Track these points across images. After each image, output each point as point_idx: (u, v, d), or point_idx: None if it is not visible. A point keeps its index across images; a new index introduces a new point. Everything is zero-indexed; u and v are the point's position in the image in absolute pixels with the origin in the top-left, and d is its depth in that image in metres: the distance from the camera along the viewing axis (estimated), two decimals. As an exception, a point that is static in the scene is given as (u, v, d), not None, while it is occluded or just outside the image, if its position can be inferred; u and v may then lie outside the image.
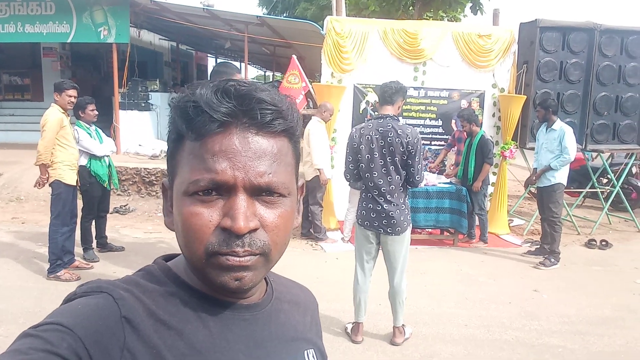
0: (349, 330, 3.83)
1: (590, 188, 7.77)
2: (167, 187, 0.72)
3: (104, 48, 12.33)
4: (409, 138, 3.42)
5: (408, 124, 3.89)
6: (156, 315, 0.64)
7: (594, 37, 6.87)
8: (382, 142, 3.48)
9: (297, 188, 0.72)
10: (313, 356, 0.79)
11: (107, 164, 5.28)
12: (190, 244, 0.65)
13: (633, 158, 7.80)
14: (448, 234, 6.58)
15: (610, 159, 7.86)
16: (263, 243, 0.64)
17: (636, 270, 5.64)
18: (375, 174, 3.50)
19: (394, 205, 3.50)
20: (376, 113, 6.83)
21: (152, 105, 11.20)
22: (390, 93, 3.53)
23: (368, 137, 3.51)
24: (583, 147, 7.15)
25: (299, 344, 0.78)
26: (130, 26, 9.93)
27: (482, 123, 6.88)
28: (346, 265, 5.13)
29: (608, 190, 7.76)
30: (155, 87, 11.71)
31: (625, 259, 6.07)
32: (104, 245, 5.57)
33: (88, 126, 5.12)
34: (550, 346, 3.80)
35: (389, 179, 3.49)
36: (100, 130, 5.36)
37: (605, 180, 8.37)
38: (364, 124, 3.70)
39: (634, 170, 8.54)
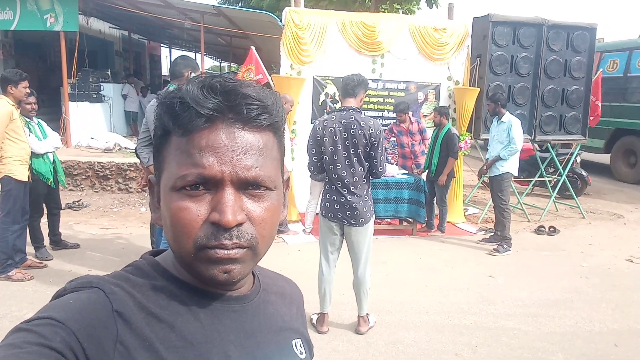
0: (314, 322, 3.87)
1: (538, 177, 8.14)
2: (153, 183, 0.73)
3: (50, 36, 11.77)
4: (372, 130, 3.48)
5: (368, 116, 3.95)
6: (147, 309, 0.65)
7: (542, 32, 7.16)
8: (345, 135, 3.52)
9: (282, 182, 0.74)
10: (300, 345, 0.82)
11: (52, 160, 5.03)
12: (179, 238, 0.66)
13: (578, 148, 8.22)
14: (407, 223, 6.74)
15: (556, 149, 8.24)
16: (250, 236, 0.66)
17: (582, 255, 5.97)
18: (339, 166, 3.54)
19: (357, 196, 3.55)
20: (336, 105, 6.92)
21: (104, 96, 10.81)
22: (352, 86, 3.56)
23: (331, 130, 3.54)
24: (532, 138, 7.46)
25: (286, 334, 0.80)
26: (79, 14, 9.52)
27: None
28: (309, 257, 5.17)
29: (555, 179, 8.16)
30: (106, 77, 11.30)
31: (572, 244, 6.42)
32: (58, 243, 5.36)
33: (29, 120, 4.79)
34: (506, 329, 3.98)
35: (353, 170, 3.53)
36: (44, 125, 5.05)
37: (552, 170, 8.78)
38: (326, 116, 3.73)
39: (578, 159, 9.00)
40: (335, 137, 3.53)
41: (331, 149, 3.55)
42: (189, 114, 0.64)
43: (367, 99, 7.06)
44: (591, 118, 8.04)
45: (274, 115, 0.68)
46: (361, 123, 3.49)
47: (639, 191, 9.83)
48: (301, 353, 0.81)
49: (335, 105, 6.96)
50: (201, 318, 0.68)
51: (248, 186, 0.66)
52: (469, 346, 3.69)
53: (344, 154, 3.53)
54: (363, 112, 3.68)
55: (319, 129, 3.60)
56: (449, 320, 4.11)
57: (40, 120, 5.04)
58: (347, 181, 3.54)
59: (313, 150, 3.65)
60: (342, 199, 3.56)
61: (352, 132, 3.49)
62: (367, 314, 3.86)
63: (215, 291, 0.71)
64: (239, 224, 0.65)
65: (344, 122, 3.52)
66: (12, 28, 9.19)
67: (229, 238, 0.64)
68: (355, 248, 3.68)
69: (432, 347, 3.66)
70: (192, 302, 0.69)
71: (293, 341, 0.81)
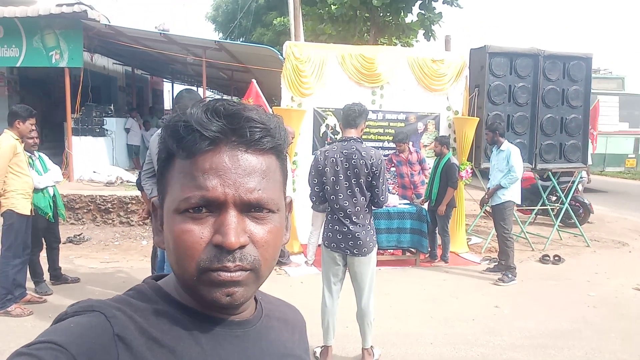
0: (318, 355, 3.79)
1: (541, 205, 8.12)
2: (157, 206, 0.73)
3: (55, 72, 11.94)
4: (373, 159, 3.49)
5: (371, 147, 3.97)
6: (148, 333, 0.65)
7: (538, 62, 7.27)
8: (346, 165, 3.53)
9: (285, 204, 0.74)
10: None
11: (52, 194, 5.02)
12: (182, 261, 0.66)
13: (579, 176, 8.22)
14: (410, 254, 6.68)
15: (558, 177, 8.26)
16: (253, 258, 0.66)
17: (589, 284, 5.89)
18: (340, 195, 3.54)
19: (359, 226, 3.53)
20: (336, 136, 6.97)
21: (107, 130, 10.91)
22: (354, 116, 3.59)
23: (333, 160, 3.55)
24: (533, 166, 7.48)
25: None
26: (84, 50, 9.72)
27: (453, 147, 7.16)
28: (311, 289, 5.10)
29: (558, 207, 8.13)
30: (109, 112, 11.43)
31: (577, 272, 6.34)
32: (58, 277, 5.31)
33: (30, 154, 4.80)
34: (514, 360, 3.89)
35: (355, 200, 3.53)
36: (45, 158, 5.07)
37: (554, 198, 8.76)
38: (328, 146, 3.74)
39: (580, 187, 9.00)
40: (337, 167, 3.54)
41: (333, 179, 3.55)
42: (193, 136, 0.65)
43: (367, 129, 7.12)
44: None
45: (277, 138, 0.69)
46: (362, 153, 3.51)
47: (642, 218, 9.77)
48: None
49: (335, 136, 7.01)
50: (202, 343, 0.68)
51: (251, 208, 0.66)
52: (476, 379, 3.60)
53: (346, 183, 3.53)
54: (364, 142, 3.70)
55: (320, 159, 3.62)
56: (455, 352, 4.02)
57: (41, 154, 5.07)
58: (349, 211, 3.52)
59: (315, 180, 3.65)
60: (345, 228, 3.54)
61: (354, 162, 3.50)
62: (371, 346, 3.78)
63: (217, 316, 0.71)
64: (242, 246, 0.65)
65: (345, 152, 3.54)
66: (17, 65, 9.37)
67: (232, 260, 0.64)
68: (358, 278, 3.64)
69: (439, 381, 3.57)
70: (193, 327, 0.68)
71: None
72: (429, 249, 6.55)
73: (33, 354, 0.58)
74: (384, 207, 6.10)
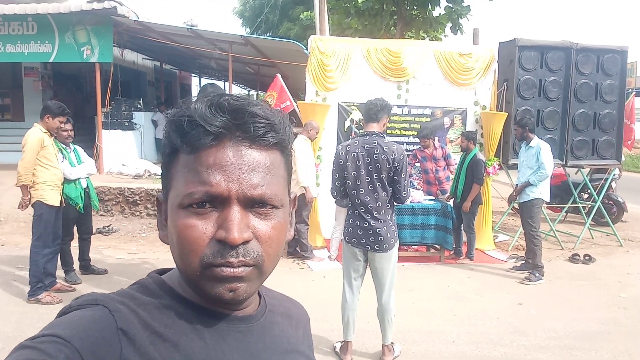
0: (337, 350, 3.79)
1: (572, 203, 7.89)
2: (161, 200, 0.73)
3: (86, 67, 12.26)
4: (395, 155, 3.45)
5: (393, 141, 3.92)
6: (152, 328, 0.65)
7: (570, 55, 7.06)
8: (368, 159, 3.49)
9: (289, 200, 0.74)
10: None
11: (84, 185, 5.15)
12: (185, 256, 0.66)
13: (612, 173, 7.95)
14: (434, 250, 6.59)
15: (590, 174, 8.01)
16: (257, 254, 0.66)
17: (620, 284, 5.70)
18: (362, 190, 3.51)
19: (381, 222, 3.50)
20: (361, 131, 6.92)
21: (135, 124, 11.13)
22: (375, 110, 3.55)
23: (354, 154, 3.53)
24: (564, 162, 7.28)
25: (292, 356, 0.79)
26: (114, 46, 9.91)
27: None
28: (333, 284, 5.09)
29: (589, 205, 7.89)
30: (138, 105, 11.66)
31: (608, 273, 6.15)
32: (87, 268, 5.45)
33: (64, 146, 4.96)
34: (539, 361, 3.80)
35: (376, 195, 3.49)
36: (80, 151, 5.23)
37: (586, 196, 8.51)
38: (349, 141, 3.72)
39: (613, 185, 8.71)
40: (358, 162, 3.51)
41: (354, 173, 3.53)
42: (197, 132, 0.64)
43: (392, 124, 7.06)
44: (628, 142, 7.81)
45: (281, 134, 0.69)
46: (384, 148, 3.47)
47: (679, 218, 9.40)
48: None
49: (360, 131, 6.97)
50: (206, 338, 0.68)
51: (254, 204, 0.66)
52: (499, 379, 3.53)
53: (367, 178, 3.50)
54: (387, 137, 3.66)
55: (341, 153, 3.59)
56: (478, 352, 3.95)
57: (76, 147, 5.21)
58: (370, 206, 3.49)
59: (336, 175, 3.63)
60: (366, 224, 3.51)
61: (375, 156, 3.46)
62: (392, 342, 3.75)
63: (220, 311, 0.71)
64: (245, 242, 0.64)
65: (367, 147, 3.50)
66: (50, 60, 9.63)
67: (235, 256, 0.64)
68: (379, 274, 3.61)
69: (461, 380, 3.51)
70: (197, 322, 0.68)
71: None
72: (454, 246, 6.46)
73: (36, 347, 0.58)
74: (409, 202, 6.11)
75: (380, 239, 3.49)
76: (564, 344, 4.10)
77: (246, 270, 0.65)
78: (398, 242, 3.65)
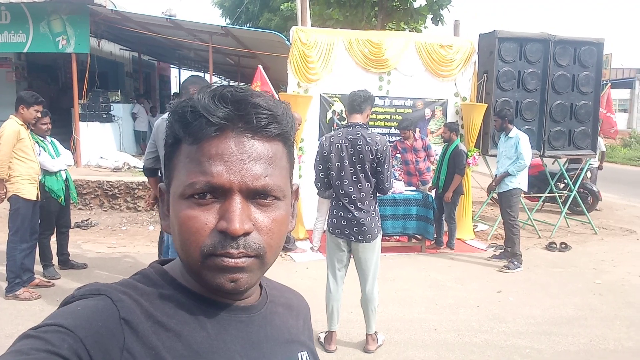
0: (322, 340, 3.82)
1: (548, 193, 8.06)
2: (164, 190, 0.73)
3: (62, 58, 12.01)
4: (378, 146, 3.47)
5: (376, 132, 3.94)
6: (154, 317, 0.65)
7: (548, 47, 7.17)
8: (351, 150, 3.51)
9: (291, 192, 0.74)
10: (307, 358, 0.81)
11: (64, 178, 5.10)
12: (187, 246, 0.66)
13: (588, 163, 8.14)
14: (415, 240, 6.67)
15: (566, 164, 8.18)
16: (258, 245, 0.66)
17: (595, 271, 5.86)
18: (345, 181, 3.53)
19: (364, 212, 3.53)
20: (343, 122, 6.93)
21: (114, 116, 10.94)
22: (359, 102, 3.57)
23: (338, 146, 3.54)
24: (541, 153, 7.41)
25: (293, 346, 0.79)
26: (90, 36, 9.70)
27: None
28: (316, 275, 5.13)
29: (565, 195, 8.07)
30: (116, 98, 11.45)
31: (584, 260, 6.31)
32: (66, 263, 5.36)
33: (42, 139, 4.88)
34: (518, 347, 3.90)
35: (359, 186, 3.51)
36: (57, 143, 5.15)
37: (562, 185, 8.69)
38: (333, 132, 3.73)
39: (588, 175, 8.91)
40: (342, 153, 3.52)
41: (338, 164, 3.54)
42: (200, 122, 0.65)
43: (374, 115, 7.08)
44: (611, 131, 7.99)
45: (284, 125, 0.69)
46: (367, 139, 3.49)
47: (651, 206, 9.68)
48: None
49: (342, 122, 6.98)
50: (208, 327, 0.68)
51: (256, 195, 0.66)
52: (480, 365, 3.61)
53: (351, 169, 3.52)
54: (370, 128, 3.68)
55: (325, 145, 3.60)
56: (460, 339, 4.03)
57: (53, 139, 5.12)
58: (354, 197, 3.52)
59: (320, 167, 3.64)
60: (349, 214, 3.53)
61: (359, 147, 3.48)
62: (375, 332, 3.80)
63: (222, 301, 0.71)
64: (247, 233, 0.65)
65: (350, 138, 3.52)
66: (24, 50, 9.39)
67: (236, 247, 0.64)
68: (362, 265, 3.64)
69: (443, 366, 3.58)
70: (199, 312, 0.69)
71: (299, 354, 0.80)
72: (435, 236, 6.55)
73: (40, 336, 0.59)
74: (390, 193, 6.15)
75: (364, 229, 3.52)
76: (542, 330, 4.21)
77: (247, 261, 0.65)
78: (381, 232, 3.69)
